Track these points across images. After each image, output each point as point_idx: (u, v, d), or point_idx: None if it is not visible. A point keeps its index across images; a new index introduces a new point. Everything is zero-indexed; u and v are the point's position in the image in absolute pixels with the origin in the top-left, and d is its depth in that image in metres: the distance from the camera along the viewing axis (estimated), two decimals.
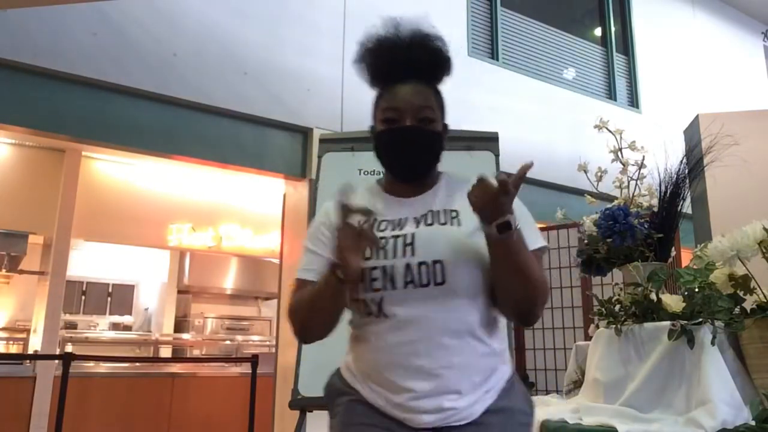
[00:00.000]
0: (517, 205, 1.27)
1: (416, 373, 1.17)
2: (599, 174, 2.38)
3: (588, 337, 2.38)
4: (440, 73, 1.33)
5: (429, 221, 1.27)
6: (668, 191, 2.11)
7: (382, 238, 1.24)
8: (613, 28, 7.25)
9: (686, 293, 1.81)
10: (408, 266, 1.20)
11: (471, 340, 1.20)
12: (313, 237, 1.33)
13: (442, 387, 1.16)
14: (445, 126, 1.34)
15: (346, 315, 1.29)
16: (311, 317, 1.24)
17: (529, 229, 1.27)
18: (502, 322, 1.30)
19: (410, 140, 1.28)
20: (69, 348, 5.49)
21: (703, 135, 2.73)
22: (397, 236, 1.24)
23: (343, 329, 1.30)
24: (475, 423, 1.17)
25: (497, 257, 1.17)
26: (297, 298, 1.27)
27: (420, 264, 1.20)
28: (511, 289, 1.20)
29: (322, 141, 2.92)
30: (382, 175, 1.40)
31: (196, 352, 6.70)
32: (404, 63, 1.29)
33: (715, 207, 3.19)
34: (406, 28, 1.30)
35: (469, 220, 1.20)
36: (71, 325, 6.55)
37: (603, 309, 1.88)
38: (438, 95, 1.33)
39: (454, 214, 1.27)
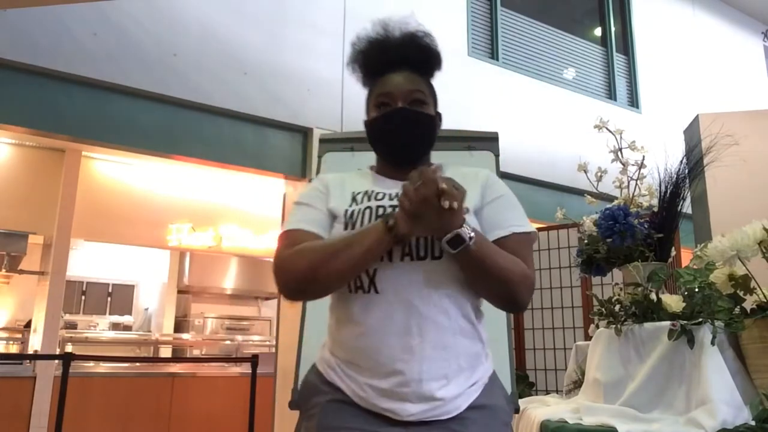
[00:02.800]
0: (495, 184, 1.30)
1: (405, 353, 1.12)
2: (599, 174, 2.38)
3: (588, 337, 2.38)
4: (430, 67, 1.34)
5: None
6: (668, 191, 2.11)
7: (379, 206, 1.22)
8: (613, 28, 7.25)
9: (686, 293, 1.81)
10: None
11: (463, 322, 1.18)
12: (308, 195, 1.31)
13: (432, 371, 1.12)
14: (437, 114, 1.34)
15: (325, 300, 1.24)
16: (335, 269, 1.14)
17: (512, 212, 1.26)
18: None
19: (403, 121, 1.27)
20: (69, 348, 5.49)
21: (703, 135, 2.73)
22: (395, 206, 1.18)
23: None
24: (459, 417, 1.14)
25: (461, 264, 1.14)
26: (305, 248, 1.17)
27: (418, 237, 1.16)
28: (484, 288, 1.19)
29: (322, 141, 2.92)
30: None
31: (196, 352, 6.70)
32: (395, 60, 1.30)
33: (715, 207, 3.19)
34: (395, 27, 1.32)
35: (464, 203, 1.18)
36: (71, 325, 6.55)
37: (603, 309, 1.88)
38: (429, 84, 1.34)
39: None
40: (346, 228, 1.21)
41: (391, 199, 1.24)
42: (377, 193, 1.27)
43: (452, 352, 1.15)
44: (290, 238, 1.22)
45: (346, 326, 1.20)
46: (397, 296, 1.15)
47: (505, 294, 1.17)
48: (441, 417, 1.13)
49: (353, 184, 1.32)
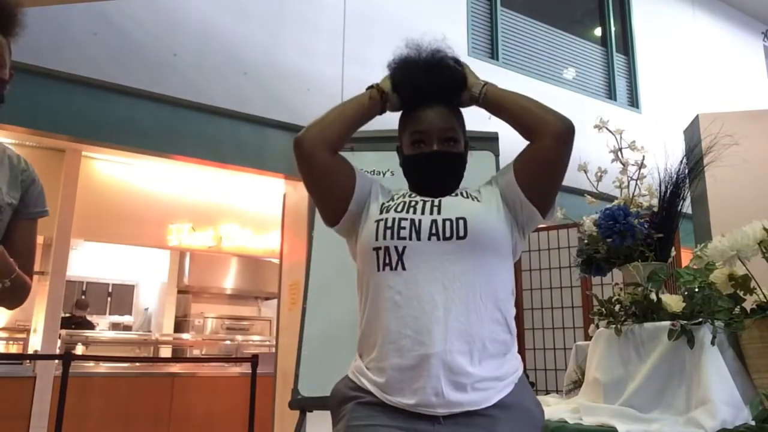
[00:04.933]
0: (494, 179, 1.45)
1: (432, 324, 1.20)
2: (599, 174, 2.37)
3: (588, 337, 2.38)
4: (456, 91, 1.42)
5: (453, 194, 1.39)
6: (668, 191, 2.11)
7: (412, 200, 1.35)
8: (613, 28, 7.25)
9: (686, 293, 1.81)
10: (434, 221, 1.29)
11: (489, 304, 1.25)
12: (366, 176, 1.47)
13: (456, 344, 1.19)
14: (466, 143, 1.44)
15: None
16: (337, 125, 1.37)
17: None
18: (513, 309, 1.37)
19: (438, 164, 1.38)
20: (79, 349, 5.50)
21: (703, 135, 2.73)
22: (426, 200, 1.35)
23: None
24: (488, 416, 1.18)
25: (491, 111, 1.39)
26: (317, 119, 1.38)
27: (445, 220, 1.29)
28: (519, 124, 1.37)
29: None
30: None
31: (196, 352, 6.70)
32: (430, 96, 1.39)
33: (715, 207, 3.19)
34: (426, 51, 1.40)
35: (489, 203, 1.35)
36: (78, 323, 6.54)
37: (603, 309, 1.88)
38: (458, 115, 1.43)
39: (475, 194, 1.40)
40: (381, 212, 1.34)
41: (422, 199, 1.36)
42: (409, 193, 1.41)
43: (476, 328, 1.22)
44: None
45: (372, 307, 1.29)
46: (424, 274, 1.24)
47: (534, 122, 1.35)
48: (470, 408, 1.17)
49: (391, 189, 1.47)
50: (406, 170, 1.43)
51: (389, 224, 1.30)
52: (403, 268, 1.26)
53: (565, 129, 1.31)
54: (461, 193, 1.40)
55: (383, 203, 1.37)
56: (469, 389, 1.18)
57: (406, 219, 1.30)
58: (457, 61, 1.43)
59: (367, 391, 1.24)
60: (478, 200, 1.37)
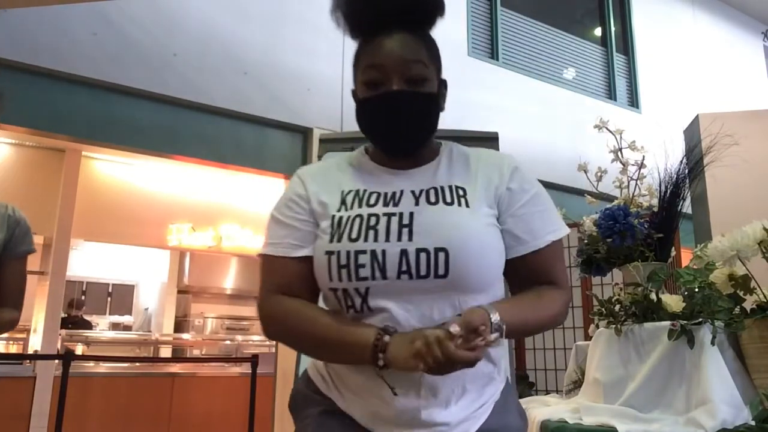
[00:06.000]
0: (524, 179, 1.11)
1: (402, 381, 0.99)
2: (599, 174, 2.37)
3: (588, 337, 2.38)
4: (431, 14, 1.10)
5: (432, 199, 1.06)
6: (668, 191, 2.11)
7: (372, 215, 1.04)
8: (613, 28, 7.25)
9: (686, 293, 1.81)
10: (404, 253, 1.00)
11: None
12: (285, 208, 1.11)
13: (432, 398, 1.00)
14: (441, 83, 1.12)
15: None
16: (314, 354, 1.10)
17: (548, 215, 1.11)
18: None
19: (399, 108, 1.05)
20: (79, 348, 5.49)
21: (703, 135, 2.73)
22: (391, 214, 1.03)
23: None
24: None
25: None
26: (289, 316, 1.06)
27: (419, 251, 0.99)
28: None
29: (322, 141, 2.92)
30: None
31: (196, 352, 6.70)
32: (389, 14, 1.07)
33: (715, 207, 3.19)
34: None
35: (479, 200, 1.06)
36: (75, 322, 6.54)
37: (603, 309, 1.88)
38: (430, 45, 1.10)
39: (461, 192, 1.07)
40: (332, 239, 1.03)
41: (385, 204, 1.06)
42: (370, 195, 1.08)
43: (455, 377, 0.99)
44: (273, 272, 1.08)
45: None
46: (396, 318, 1.00)
47: (550, 327, 1.13)
48: None
49: (342, 178, 1.13)
50: (359, 120, 1.10)
51: (343, 261, 1.00)
52: (370, 311, 1.01)
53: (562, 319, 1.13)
54: (443, 189, 1.07)
55: (334, 217, 1.06)
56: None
57: (365, 252, 1.00)
58: None
59: (329, 398, 1.09)
60: (465, 200, 1.06)
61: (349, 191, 1.10)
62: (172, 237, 6.01)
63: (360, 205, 1.07)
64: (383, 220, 1.03)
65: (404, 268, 0.99)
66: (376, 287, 1.00)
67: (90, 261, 7.33)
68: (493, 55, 6.18)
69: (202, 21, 4.56)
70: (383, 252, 1.00)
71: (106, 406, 4.70)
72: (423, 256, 0.99)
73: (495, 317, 0.95)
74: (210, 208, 6.16)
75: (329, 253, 1.02)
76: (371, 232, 1.02)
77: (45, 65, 3.93)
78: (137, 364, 5.35)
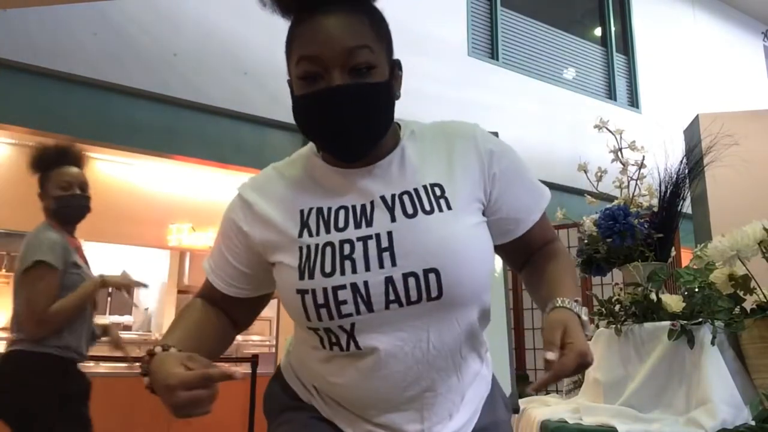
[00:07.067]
0: (502, 155, 0.98)
1: (402, 404, 0.92)
2: (599, 174, 2.37)
3: (588, 338, 2.38)
4: None
5: (409, 210, 0.91)
6: (668, 191, 2.11)
7: (344, 241, 0.89)
8: (613, 28, 7.25)
9: (686, 293, 1.81)
10: (389, 281, 0.87)
11: (469, 352, 0.97)
12: (223, 233, 1.01)
13: (434, 417, 0.94)
14: (394, 65, 0.94)
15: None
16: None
17: (530, 191, 1.02)
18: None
19: (343, 106, 0.87)
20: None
21: (703, 135, 2.73)
22: (367, 237, 0.89)
23: None
24: None
25: None
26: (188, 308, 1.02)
27: (406, 276, 0.87)
28: None
29: None
30: None
31: None
32: None
33: (715, 207, 3.19)
34: None
35: (459, 196, 0.93)
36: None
37: (603, 309, 1.88)
38: (376, 20, 0.91)
39: (438, 191, 0.93)
40: (302, 275, 0.89)
41: (357, 224, 0.91)
42: (336, 213, 0.92)
43: (456, 390, 0.95)
44: (207, 287, 1.03)
45: (318, 373, 0.97)
46: (390, 352, 0.89)
47: None
48: None
49: (296, 192, 0.97)
50: (297, 121, 0.94)
51: (320, 300, 0.87)
52: (358, 348, 0.89)
53: None
54: (418, 193, 0.92)
55: (300, 248, 0.91)
56: None
57: (344, 287, 0.87)
58: None
59: (308, 403, 1.03)
60: (445, 201, 0.92)
61: (310, 210, 0.94)
62: (172, 237, 6.01)
63: (327, 230, 0.91)
64: (358, 246, 0.89)
65: (392, 297, 0.87)
66: (362, 321, 0.88)
67: (90, 261, 7.32)
68: (493, 55, 6.18)
69: (202, 21, 4.56)
70: (365, 284, 0.87)
71: (106, 406, 4.69)
72: (412, 280, 0.87)
73: (583, 313, 0.89)
74: (210, 208, 6.15)
75: (302, 291, 0.89)
76: (347, 263, 0.88)
77: (45, 65, 3.93)
78: (137, 364, 5.35)
